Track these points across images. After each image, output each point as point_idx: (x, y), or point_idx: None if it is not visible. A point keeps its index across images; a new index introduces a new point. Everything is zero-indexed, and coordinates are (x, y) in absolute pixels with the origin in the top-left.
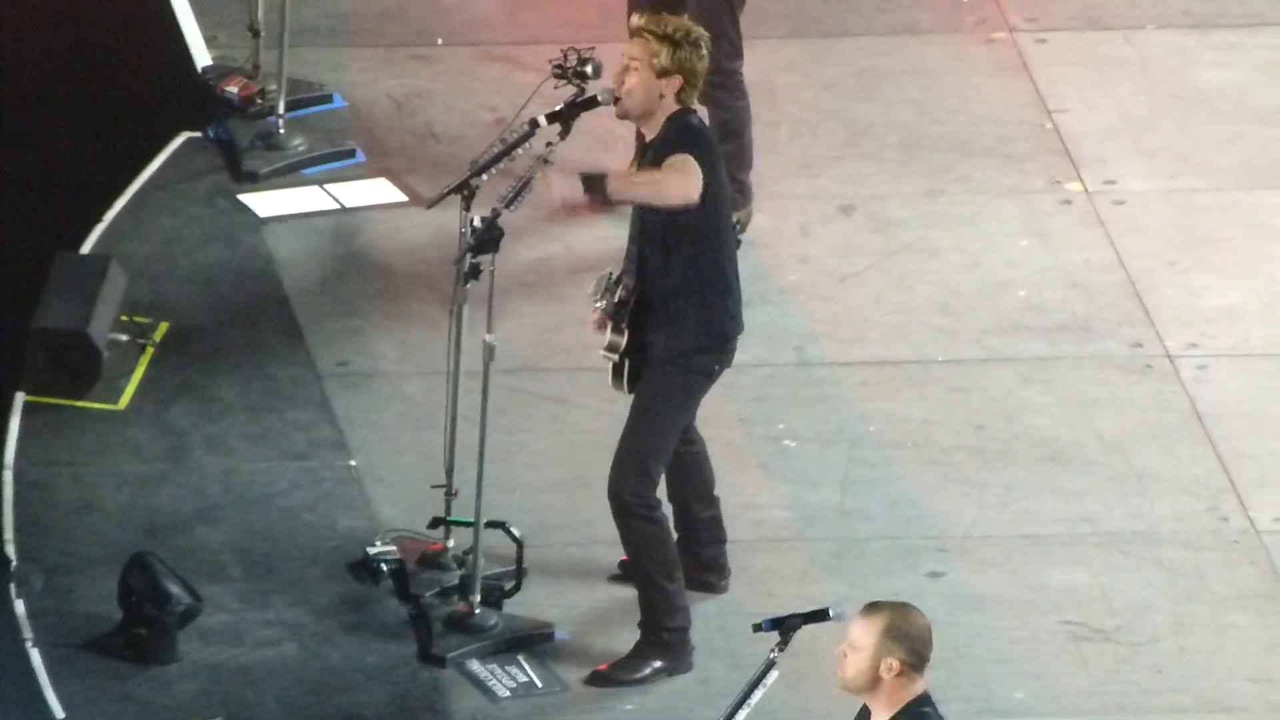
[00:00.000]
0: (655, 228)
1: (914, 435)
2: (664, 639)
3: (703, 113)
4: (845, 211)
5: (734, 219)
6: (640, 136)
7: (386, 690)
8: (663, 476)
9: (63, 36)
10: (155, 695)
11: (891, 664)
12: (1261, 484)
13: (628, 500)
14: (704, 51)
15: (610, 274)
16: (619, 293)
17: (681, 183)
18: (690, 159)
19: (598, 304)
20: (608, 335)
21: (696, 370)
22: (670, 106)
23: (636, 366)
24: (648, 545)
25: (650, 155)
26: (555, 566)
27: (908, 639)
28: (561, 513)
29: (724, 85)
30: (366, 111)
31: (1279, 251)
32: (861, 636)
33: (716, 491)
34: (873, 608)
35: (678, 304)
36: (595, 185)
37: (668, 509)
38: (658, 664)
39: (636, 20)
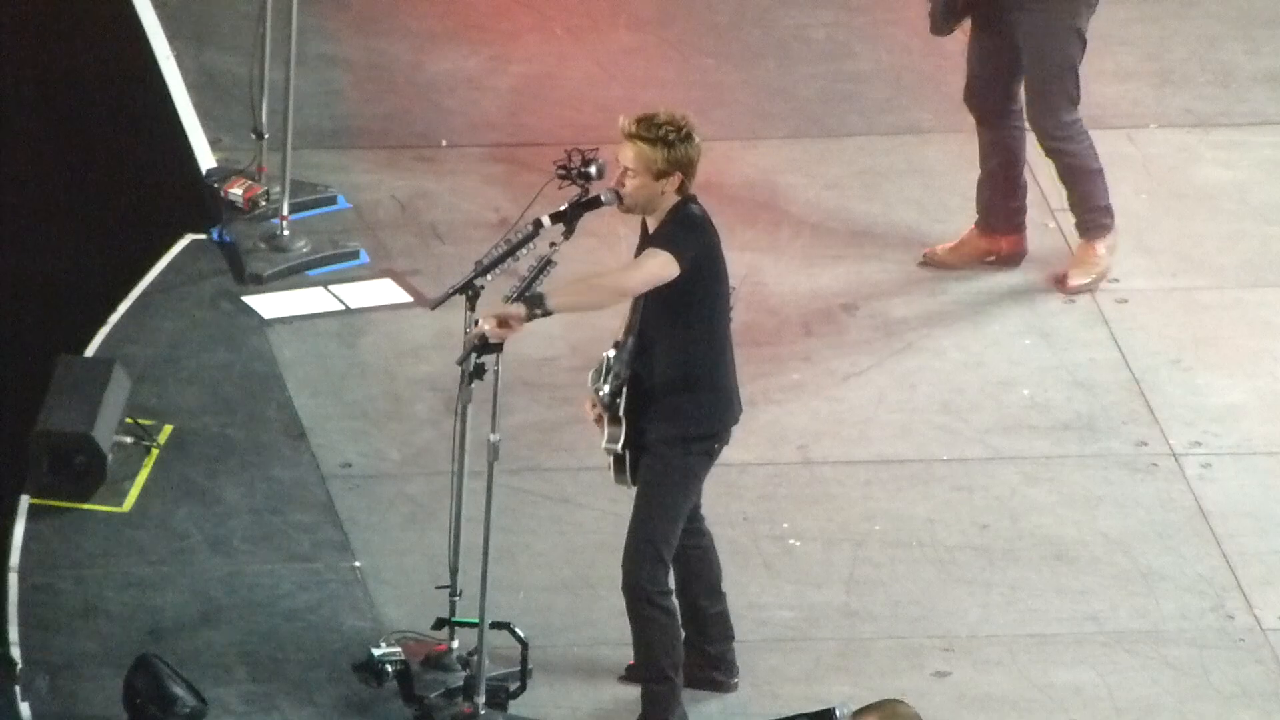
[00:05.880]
0: (658, 316)
1: (918, 534)
2: None
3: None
4: (848, 310)
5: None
6: (644, 227)
7: None
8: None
9: (67, 139)
10: None
11: None
12: (1266, 582)
13: (646, 588)
14: (696, 140)
15: (608, 358)
16: (612, 381)
17: (617, 284)
18: (660, 254)
19: (600, 391)
20: (605, 428)
21: (698, 452)
22: (673, 198)
23: (636, 456)
24: (663, 636)
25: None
26: (560, 667)
27: None
28: (566, 613)
29: (1066, 136)
30: (370, 213)
31: None
32: None
33: (723, 588)
34: (860, 714)
35: (678, 389)
36: (534, 302)
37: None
38: None
39: (627, 125)
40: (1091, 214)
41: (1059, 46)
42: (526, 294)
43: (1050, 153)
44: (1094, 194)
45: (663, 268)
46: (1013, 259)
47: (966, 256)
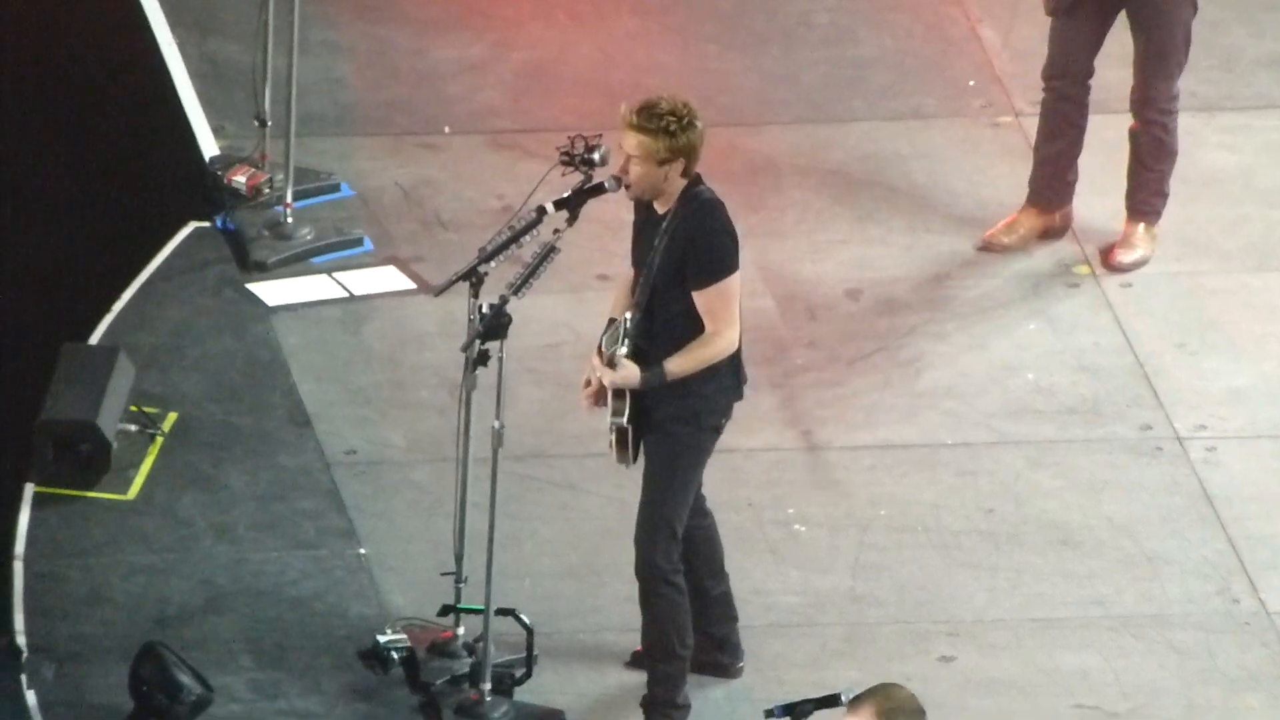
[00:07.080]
0: (672, 292)
1: (924, 519)
2: (673, 717)
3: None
4: (852, 295)
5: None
6: (645, 207)
7: None
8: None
9: (70, 128)
10: None
11: None
12: (1272, 566)
13: (663, 567)
14: (699, 126)
15: (627, 317)
16: (628, 348)
17: (726, 343)
18: (723, 278)
19: (619, 350)
20: (610, 402)
21: (707, 428)
22: (680, 182)
23: (639, 433)
24: (675, 614)
25: (678, 243)
26: (565, 653)
27: (901, 713)
28: (571, 599)
29: (1169, 111)
30: (374, 200)
31: None
32: None
33: (728, 572)
34: (856, 701)
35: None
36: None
37: None
38: None
39: (629, 115)
40: (1155, 198)
41: (1181, 17)
42: (648, 372)
43: (1148, 125)
44: (1164, 178)
45: (736, 288)
46: (1063, 231)
47: (1025, 237)
